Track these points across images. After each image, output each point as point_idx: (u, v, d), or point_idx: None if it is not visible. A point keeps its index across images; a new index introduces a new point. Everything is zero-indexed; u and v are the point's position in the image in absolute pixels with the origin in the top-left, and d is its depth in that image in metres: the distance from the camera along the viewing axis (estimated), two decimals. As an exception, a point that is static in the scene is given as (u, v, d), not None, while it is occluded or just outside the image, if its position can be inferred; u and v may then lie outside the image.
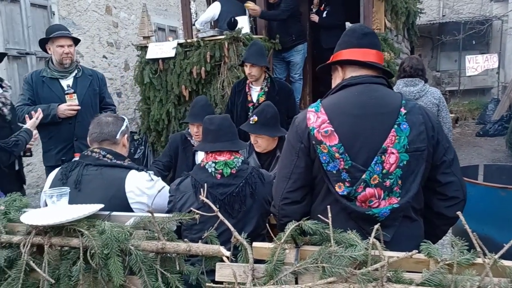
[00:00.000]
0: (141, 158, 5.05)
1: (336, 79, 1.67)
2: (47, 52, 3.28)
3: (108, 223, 1.33)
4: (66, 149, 3.22)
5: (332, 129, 1.47)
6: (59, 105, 3.14)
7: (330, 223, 1.17)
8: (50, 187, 1.91)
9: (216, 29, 4.79)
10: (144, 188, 1.88)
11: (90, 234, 1.31)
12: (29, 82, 3.27)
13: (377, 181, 1.43)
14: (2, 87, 2.81)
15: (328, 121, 1.49)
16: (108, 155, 1.94)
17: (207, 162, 2.00)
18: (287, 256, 1.21)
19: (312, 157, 1.53)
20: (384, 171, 1.43)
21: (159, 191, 1.73)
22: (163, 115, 4.81)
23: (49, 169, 3.40)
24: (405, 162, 1.44)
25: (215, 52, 4.48)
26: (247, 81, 3.56)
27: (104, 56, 6.79)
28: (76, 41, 3.33)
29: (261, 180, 2.07)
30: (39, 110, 2.86)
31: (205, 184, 1.46)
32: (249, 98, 3.51)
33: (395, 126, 1.45)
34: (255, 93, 3.56)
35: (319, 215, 1.22)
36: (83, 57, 6.21)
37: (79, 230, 1.35)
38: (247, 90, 3.58)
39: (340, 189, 1.47)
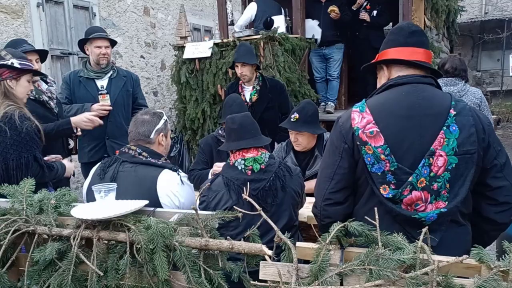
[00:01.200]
0: (176, 156, 5.14)
1: (382, 79, 1.64)
2: (85, 53, 3.42)
3: (153, 219, 1.36)
4: (98, 147, 3.34)
5: (378, 129, 1.45)
6: (92, 105, 3.25)
7: (377, 225, 1.15)
8: (89, 182, 2.00)
9: (252, 28, 4.81)
10: (174, 190, 1.92)
11: (137, 229, 1.35)
12: (67, 81, 3.42)
13: (424, 184, 1.39)
14: (47, 83, 2.94)
15: (373, 122, 1.46)
16: (143, 153, 1.98)
17: (236, 160, 2.02)
18: (331, 257, 1.20)
19: (356, 158, 1.51)
20: (432, 174, 1.39)
21: (185, 196, 1.80)
22: (198, 114, 4.87)
23: (83, 166, 3.55)
24: (453, 165, 1.40)
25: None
26: (239, 82, 3.61)
27: (141, 56, 6.95)
28: (113, 43, 3.44)
29: (289, 173, 2.10)
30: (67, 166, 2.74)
31: (248, 183, 1.47)
32: (242, 98, 3.53)
33: (444, 127, 1.40)
34: (247, 92, 3.63)
35: (365, 217, 1.19)
36: (122, 57, 6.38)
37: (125, 225, 1.38)
38: (240, 90, 3.65)
39: (385, 191, 1.45)
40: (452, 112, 1.43)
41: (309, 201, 2.46)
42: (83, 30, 5.65)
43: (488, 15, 11.15)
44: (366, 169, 1.47)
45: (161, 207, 1.87)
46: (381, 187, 1.45)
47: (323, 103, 5.58)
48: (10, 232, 1.41)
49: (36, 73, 2.58)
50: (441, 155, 1.40)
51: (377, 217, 1.16)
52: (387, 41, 1.63)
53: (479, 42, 11.01)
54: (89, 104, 3.25)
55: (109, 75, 3.41)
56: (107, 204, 1.45)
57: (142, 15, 6.89)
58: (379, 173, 1.45)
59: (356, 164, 1.52)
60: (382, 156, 1.43)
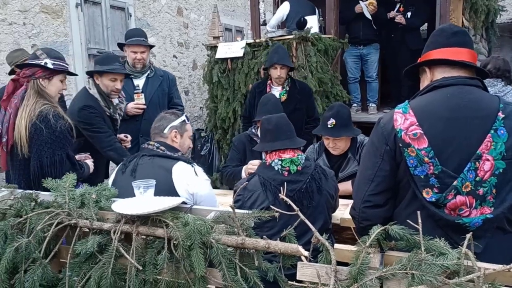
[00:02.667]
0: (207, 155, 5.19)
1: (424, 82, 1.61)
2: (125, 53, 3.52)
3: (191, 216, 1.38)
4: (132, 144, 3.41)
5: (422, 131, 1.41)
6: (128, 103, 3.34)
7: (420, 229, 1.12)
8: (113, 178, 2.10)
9: (285, 29, 4.80)
10: (189, 180, 1.98)
11: (175, 225, 1.36)
12: None
13: (469, 189, 1.35)
14: (118, 97, 3.04)
15: (417, 123, 1.43)
16: (161, 147, 2.10)
17: (273, 160, 2.02)
18: (371, 260, 1.17)
19: (397, 160, 1.48)
20: (478, 178, 1.35)
21: (199, 187, 1.87)
22: (229, 114, 4.90)
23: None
24: (501, 170, 1.35)
25: (284, 51, 4.49)
26: (268, 82, 3.58)
27: (174, 56, 7.06)
28: (150, 46, 3.52)
29: (324, 175, 2.09)
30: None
31: (285, 183, 1.46)
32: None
33: (492, 131, 1.35)
34: (276, 92, 3.63)
35: (408, 220, 1.16)
36: (155, 56, 6.50)
37: (164, 221, 1.40)
38: (268, 90, 3.63)
39: (428, 195, 1.41)
40: (501, 115, 1.37)
41: (341, 203, 2.44)
42: (119, 30, 5.83)
43: (529, 15, 10.70)
44: (409, 171, 1.44)
45: (178, 195, 1.91)
46: (423, 191, 1.42)
47: (355, 105, 5.51)
48: (54, 225, 1.45)
49: (70, 73, 2.66)
50: (487, 159, 1.35)
51: (420, 221, 1.13)
52: (429, 43, 1.60)
53: (519, 44, 10.59)
54: (125, 103, 3.33)
55: (146, 74, 3.50)
56: (146, 200, 1.48)
57: (176, 16, 7.00)
58: (422, 176, 1.42)
59: (398, 167, 1.49)
60: (426, 159, 1.40)
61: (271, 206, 1.44)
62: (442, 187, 1.39)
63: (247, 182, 1.97)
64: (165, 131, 2.18)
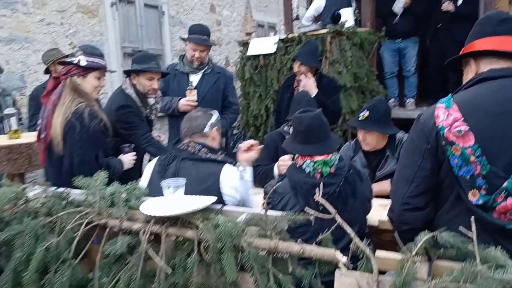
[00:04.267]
0: (239, 152, 5.14)
1: (469, 74, 1.47)
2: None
3: (222, 217, 1.31)
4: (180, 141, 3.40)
5: (467, 128, 1.29)
6: (180, 99, 3.31)
7: (474, 237, 1.01)
8: (149, 180, 2.02)
9: (319, 22, 4.67)
10: (235, 184, 1.94)
11: (205, 227, 1.31)
12: None
13: (522, 191, 1.22)
14: (155, 97, 3.01)
15: (462, 119, 1.30)
16: (203, 149, 2.00)
17: (304, 162, 1.89)
18: (418, 270, 1.07)
19: (439, 159, 1.36)
20: (532, 178, 1.21)
21: (244, 191, 1.85)
22: (261, 111, 4.83)
23: None
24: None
25: (317, 46, 4.37)
26: (296, 77, 3.46)
27: (207, 53, 7.06)
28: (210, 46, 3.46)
29: (359, 177, 1.96)
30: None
31: (321, 184, 1.37)
32: (295, 93, 3.41)
33: None
34: (302, 88, 3.44)
35: (461, 227, 1.05)
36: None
37: (194, 222, 1.35)
38: (295, 85, 3.51)
39: (475, 197, 1.28)
40: None
41: (379, 204, 2.31)
42: (153, 28, 5.88)
43: None
44: (452, 172, 1.31)
45: (223, 201, 1.87)
46: (469, 193, 1.29)
47: (392, 100, 5.31)
48: (83, 224, 1.43)
49: (105, 70, 2.65)
50: (543, 159, 1.21)
51: (474, 229, 1.01)
52: (473, 33, 1.47)
53: None
54: (177, 99, 3.32)
55: (203, 71, 3.43)
56: (175, 200, 1.43)
57: (208, 13, 7.00)
58: (468, 177, 1.29)
59: (440, 166, 1.37)
60: (472, 158, 1.27)
61: (305, 209, 1.35)
62: (491, 188, 1.26)
63: (278, 184, 1.88)
64: (206, 129, 2.06)
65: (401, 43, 5.15)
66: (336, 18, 4.36)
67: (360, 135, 2.61)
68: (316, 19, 5.14)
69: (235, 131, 5.23)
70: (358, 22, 4.91)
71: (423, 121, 1.41)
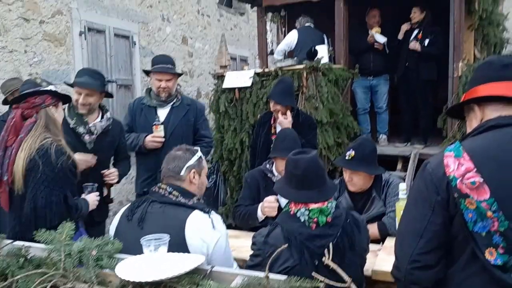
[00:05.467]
0: (212, 187, 4.93)
1: (473, 121, 1.40)
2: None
3: (213, 284, 1.13)
4: (150, 179, 3.17)
5: (481, 179, 1.19)
6: (146, 135, 3.11)
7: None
8: (117, 224, 1.85)
9: (295, 58, 4.66)
10: (204, 235, 1.73)
11: (193, 295, 1.12)
12: (130, 108, 3.35)
13: (544, 250, 1.12)
14: (102, 117, 2.78)
15: (475, 170, 1.21)
16: (174, 192, 1.83)
17: (299, 209, 1.72)
18: None
19: (451, 212, 1.25)
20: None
21: (215, 243, 1.66)
22: (236, 144, 4.70)
23: (137, 197, 3.38)
24: None
25: (293, 81, 4.33)
26: (273, 113, 3.40)
27: (178, 84, 6.91)
28: (178, 74, 3.34)
29: (357, 227, 1.80)
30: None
31: (330, 245, 1.22)
32: (272, 131, 3.39)
33: None
34: (278, 125, 3.39)
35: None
36: (159, 85, 6.37)
37: (178, 288, 1.16)
38: (272, 122, 3.45)
39: (492, 256, 1.18)
40: None
41: (370, 250, 2.18)
42: (122, 58, 5.70)
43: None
44: (466, 227, 1.21)
45: (189, 252, 1.66)
46: (486, 251, 1.19)
47: (364, 136, 5.32)
48: (45, 289, 1.21)
49: (68, 99, 2.47)
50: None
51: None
52: (475, 78, 1.41)
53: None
54: (144, 135, 3.13)
55: (171, 103, 3.25)
56: (157, 260, 1.24)
57: (180, 44, 6.91)
58: (484, 233, 1.19)
59: (451, 220, 1.26)
60: (489, 213, 1.17)
61: (313, 274, 1.19)
62: (510, 247, 1.16)
63: (267, 235, 1.70)
64: (182, 173, 1.89)
65: (373, 80, 5.21)
66: (312, 54, 4.37)
67: (346, 175, 2.51)
68: (289, 54, 5.14)
69: (208, 165, 5.04)
70: (332, 59, 4.95)
71: (431, 170, 1.30)
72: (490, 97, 1.33)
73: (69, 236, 1.39)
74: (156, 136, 3.10)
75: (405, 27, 4.95)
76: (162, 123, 3.13)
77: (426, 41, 4.76)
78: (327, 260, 1.15)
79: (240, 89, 4.61)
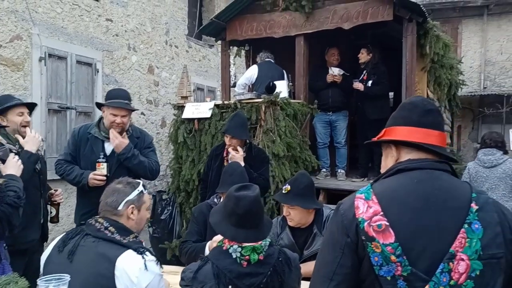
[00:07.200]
0: (167, 219, 4.85)
1: (388, 158, 1.43)
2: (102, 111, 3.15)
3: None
4: (90, 213, 3.03)
5: (387, 223, 1.22)
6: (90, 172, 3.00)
7: None
8: (48, 254, 1.81)
9: (254, 92, 4.75)
10: (134, 276, 1.67)
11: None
12: (75, 136, 3.15)
13: (444, 295, 1.15)
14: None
15: (381, 213, 1.24)
16: (110, 228, 1.79)
17: (231, 246, 1.71)
18: None
19: (360, 255, 1.26)
20: (452, 282, 1.15)
21: (147, 285, 1.63)
22: (193, 176, 4.67)
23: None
24: (478, 272, 1.16)
25: (252, 114, 4.41)
26: (226, 146, 3.45)
27: (142, 113, 6.89)
28: (133, 110, 3.22)
29: (288, 265, 1.80)
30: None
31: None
32: (225, 163, 3.39)
33: (465, 225, 1.18)
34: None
35: None
36: (121, 113, 6.32)
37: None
38: (224, 155, 3.49)
39: (397, 300, 1.20)
40: (474, 206, 1.21)
41: (305, 286, 2.19)
42: (84, 85, 5.65)
43: (487, 89, 11.26)
44: (373, 270, 1.23)
45: None
46: None
47: (324, 170, 5.40)
48: None
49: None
50: (462, 259, 1.16)
51: None
52: (398, 116, 1.43)
53: (480, 116, 11.06)
54: (88, 173, 2.99)
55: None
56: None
57: (146, 73, 6.93)
58: (389, 278, 1.20)
59: (360, 263, 1.28)
60: (393, 257, 1.19)
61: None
62: None
63: (196, 271, 1.68)
64: (120, 207, 1.85)
65: (332, 115, 5.35)
66: (271, 88, 4.46)
67: (284, 209, 2.53)
68: (250, 88, 5.24)
69: (164, 196, 4.97)
70: (292, 94, 5.07)
71: (343, 211, 1.32)
72: (407, 142, 1.38)
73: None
74: (98, 174, 2.98)
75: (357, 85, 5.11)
76: (106, 161, 3.01)
77: (370, 82, 4.98)
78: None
79: (199, 120, 4.64)
